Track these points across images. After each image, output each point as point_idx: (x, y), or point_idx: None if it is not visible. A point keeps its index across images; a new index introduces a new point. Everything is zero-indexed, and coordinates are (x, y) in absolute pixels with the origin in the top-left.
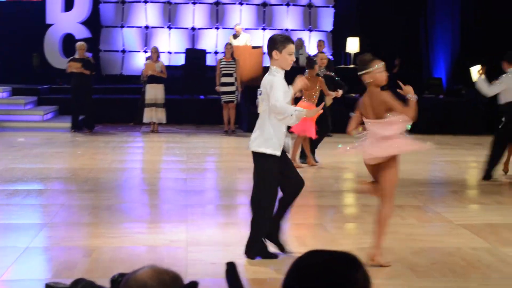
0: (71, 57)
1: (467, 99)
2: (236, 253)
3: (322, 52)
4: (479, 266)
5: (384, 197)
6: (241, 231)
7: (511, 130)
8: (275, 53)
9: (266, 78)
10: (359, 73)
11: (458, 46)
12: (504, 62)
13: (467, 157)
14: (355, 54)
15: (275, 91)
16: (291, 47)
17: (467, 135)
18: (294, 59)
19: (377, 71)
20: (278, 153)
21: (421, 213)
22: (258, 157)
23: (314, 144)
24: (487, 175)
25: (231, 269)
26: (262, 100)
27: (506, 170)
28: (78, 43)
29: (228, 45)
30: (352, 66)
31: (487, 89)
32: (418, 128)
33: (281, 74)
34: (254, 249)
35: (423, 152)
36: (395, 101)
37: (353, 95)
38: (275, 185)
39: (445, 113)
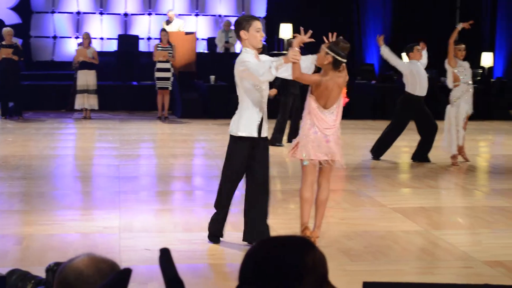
0: None
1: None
2: (170, 239)
3: None
4: (412, 249)
5: (328, 180)
6: (175, 218)
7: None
8: (243, 33)
9: (236, 60)
10: (345, 60)
11: (389, 32)
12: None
13: (398, 142)
14: (288, 40)
15: (246, 63)
16: (257, 23)
17: None
18: (264, 35)
19: None
20: (254, 134)
21: (354, 197)
22: (232, 139)
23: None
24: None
25: (165, 255)
26: (237, 86)
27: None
28: (5, 29)
29: (164, 31)
30: (285, 52)
31: (393, 59)
32: (351, 114)
33: (251, 53)
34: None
35: (356, 136)
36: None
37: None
38: (238, 169)
39: (377, 98)
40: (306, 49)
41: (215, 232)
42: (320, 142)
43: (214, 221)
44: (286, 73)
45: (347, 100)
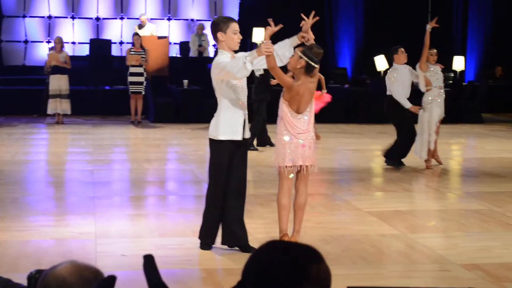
0: None
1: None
2: (146, 245)
3: None
4: (389, 252)
5: (306, 184)
6: (150, 223)
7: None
8: (220, 34)
9: (212, 63)
10: (318, 65)
11: (361, 35)
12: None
13: (372, 146)
14: (260, 44)
15: (221, 64)
16: (235, 25)
17: (372, 124)
18: (241, 37)
19: None
20: (236, 137)
21: (329, 201)
22: (212, 143)
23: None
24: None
25: (148, 262)
26: (214, 89)
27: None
28: None
29: (136, 35)
30: None
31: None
32: (324, 118)
33: (227, 55)
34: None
35: (330, 140)
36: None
37: None
38: (221, 173)
39: (351, 102)
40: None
41: (209, 241)
42: (296, 148)
43: (209, 230)
44: (262, 62)
45: (329, 96)
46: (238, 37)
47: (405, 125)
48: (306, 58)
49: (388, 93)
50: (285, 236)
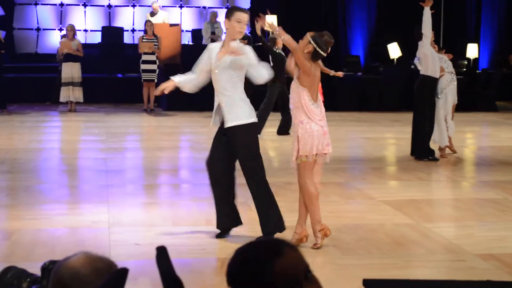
0: None
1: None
2: (159, 234)
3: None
4: (404, 242)
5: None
6: (164, 212)
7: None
8: (226, 21)
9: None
10: (325, 53)
11: (374, 23)
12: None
13: (385, 134)
14: (271, 35)
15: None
16: (239, 15)
17: (385, 112)
18: (244, 27)
19: None
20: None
21: (343, 190)
22: (246, 128)
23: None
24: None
25: (161, 254)
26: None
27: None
28: None
29: (149, 22)
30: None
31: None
32: (336, 106)
33: (221, 44)
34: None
35: (342, 128)
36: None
37: None
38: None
39: (363, 90)
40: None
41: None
42: (321, 136)
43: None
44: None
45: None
46: (240, 27)
47: (430, 110)
48: (315, 45)
49: (421, 72)
50: (323, 225)
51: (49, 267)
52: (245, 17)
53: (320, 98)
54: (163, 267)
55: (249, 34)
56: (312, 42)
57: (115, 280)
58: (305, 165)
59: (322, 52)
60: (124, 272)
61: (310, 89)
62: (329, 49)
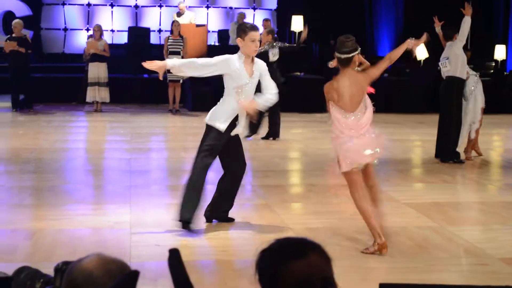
0: (8, 36)
1: (412, 77)
2: (181, 235)
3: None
4: (426, 245)
5: (374, 176)
6: None
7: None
8: (239, 40)
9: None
10: (351, 54)
11: (401, 24)
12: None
13: (411, 136)
14: (299, 33)
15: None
16: (253, 34)
17: (411, 114)
18: (258, 45)
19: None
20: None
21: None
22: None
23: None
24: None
25: (174, 257)
26: None
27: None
28: (14, 21)
29: (175, 23)
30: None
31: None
32: None
33: (241, 57)
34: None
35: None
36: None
37: (298, 73)
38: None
39: (390, 91)
40: (313, 41)
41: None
42: (359, 146)
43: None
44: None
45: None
46: (255, 45)
47: (457, 111)
48: (335, 53)
49: (447, 74)
50: (383, 241)
51: (62, 268)
52: (258, 35)
53: (367, 105)
54: (174, 269)
55: (275, 35)
56: (335, 53)
57: (125, 282)
58: (348, 178)
59: (340, 55)
60: (135, 274)
61: (339, 102)
62: (352, 46)
